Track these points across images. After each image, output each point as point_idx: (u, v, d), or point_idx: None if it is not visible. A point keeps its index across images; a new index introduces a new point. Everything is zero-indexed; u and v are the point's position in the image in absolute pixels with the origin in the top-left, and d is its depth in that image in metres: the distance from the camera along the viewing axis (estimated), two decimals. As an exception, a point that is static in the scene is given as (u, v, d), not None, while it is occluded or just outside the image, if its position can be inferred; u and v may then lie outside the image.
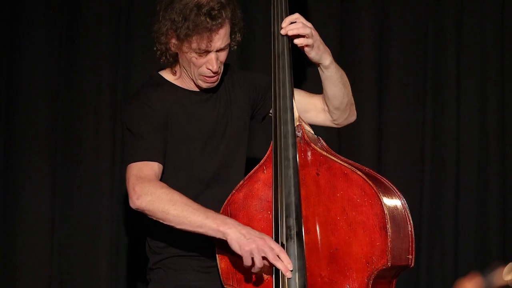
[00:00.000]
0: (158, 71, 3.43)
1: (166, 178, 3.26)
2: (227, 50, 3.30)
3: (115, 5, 4.56)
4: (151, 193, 3.13)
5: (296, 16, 3.26)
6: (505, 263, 3.03)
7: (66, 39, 4.54)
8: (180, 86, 3.39)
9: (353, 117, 3.55)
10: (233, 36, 3.31)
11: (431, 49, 4.54)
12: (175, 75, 3.38)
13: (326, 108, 3.47)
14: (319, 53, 3.28)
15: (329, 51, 3.32)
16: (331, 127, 3.56)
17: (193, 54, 3.26)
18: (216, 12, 3.20)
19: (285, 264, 3.05)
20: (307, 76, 4.21)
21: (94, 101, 4.53)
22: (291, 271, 3.06)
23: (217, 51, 3.26)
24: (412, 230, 3.19)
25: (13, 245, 4.47)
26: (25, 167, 4.49)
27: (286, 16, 3.26)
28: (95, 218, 4.49)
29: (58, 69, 4.54)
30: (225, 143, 3.38)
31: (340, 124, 3.55)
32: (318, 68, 3.35)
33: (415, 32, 4.55)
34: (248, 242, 3.05)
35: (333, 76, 3.35)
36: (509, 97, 4.51)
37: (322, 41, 3.30)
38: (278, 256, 3.04)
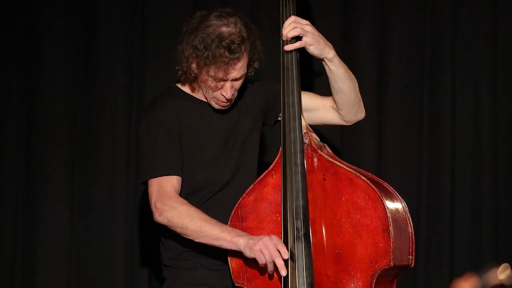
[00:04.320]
0: (176, 83, 3.56)
1: (181, 182, 3.41)
2: (243, 78, 3.43)
3: (130, 16, 4.63)
4: (171, 210, 3.31)
5: (291, 19, 3.38)
6: (498, 263, 3.17)
7: (84, 49, 4.61)
8: (197, 97, 3.52)
9: (361, 114, 3.63)
10: (251, 63, 3.43)
11: (428, 60, 4.58)
12: (192, 89, 3.52)
13: (335, 105, 3.57)
14: (319, 47, 3.40)
15: (330, 45, 3.43)
16: (340, 125, 3.65)
17: (210, 80, 3.38)
18: (235, 46, 3.32)
19: (283, 257, 3.17)
20: (315, 86, 4.26)
21: (110, 106, 4.59)
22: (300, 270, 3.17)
23: (233, 80, 3.39)
24: (412, 232, 3.31)
25: (33, 248, 4.53)
26: (44, 173, 4.56)
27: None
28: (111, 219, 4.55)
29: (76, 74, 4.60)
30: (238, 151, 3.50)
31: (349, 121, 3.63)
32: (323, 63, 3.46)
33: (415, 46, 4.59)
34: (255, 242, 3.19)
35: (337, 70, 3.45)
36: (503, 104, 4.60)
37: (322, 36, 3.41)
38: (278, 251, 3.17)
